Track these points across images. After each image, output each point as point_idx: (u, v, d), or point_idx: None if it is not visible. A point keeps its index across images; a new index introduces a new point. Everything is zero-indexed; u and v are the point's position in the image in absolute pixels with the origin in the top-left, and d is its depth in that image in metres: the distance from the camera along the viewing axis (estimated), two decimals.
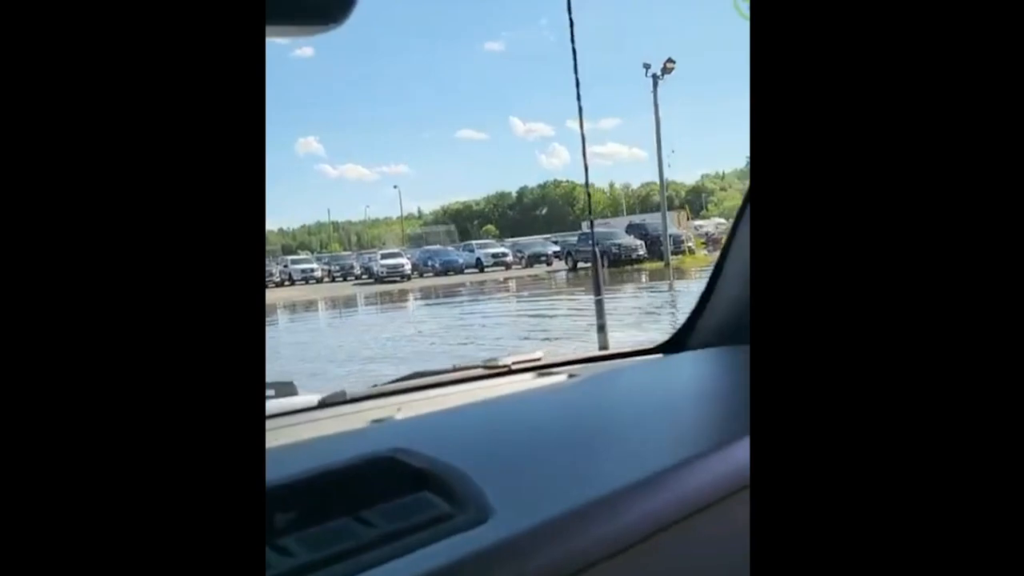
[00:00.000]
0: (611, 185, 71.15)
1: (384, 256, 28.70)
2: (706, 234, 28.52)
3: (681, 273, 21.45)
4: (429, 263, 28.49)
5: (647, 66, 21.52)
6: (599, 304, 6.85)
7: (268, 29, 0.43)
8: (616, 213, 53.53)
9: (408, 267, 27.41)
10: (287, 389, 1.10)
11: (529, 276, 24.13)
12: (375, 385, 1.17)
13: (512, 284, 21.71)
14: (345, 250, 52.03)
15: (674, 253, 22.29)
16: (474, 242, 33.37)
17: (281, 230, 76.82)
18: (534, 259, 27.94)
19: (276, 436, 0.81)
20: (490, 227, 63.38)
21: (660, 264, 21.28)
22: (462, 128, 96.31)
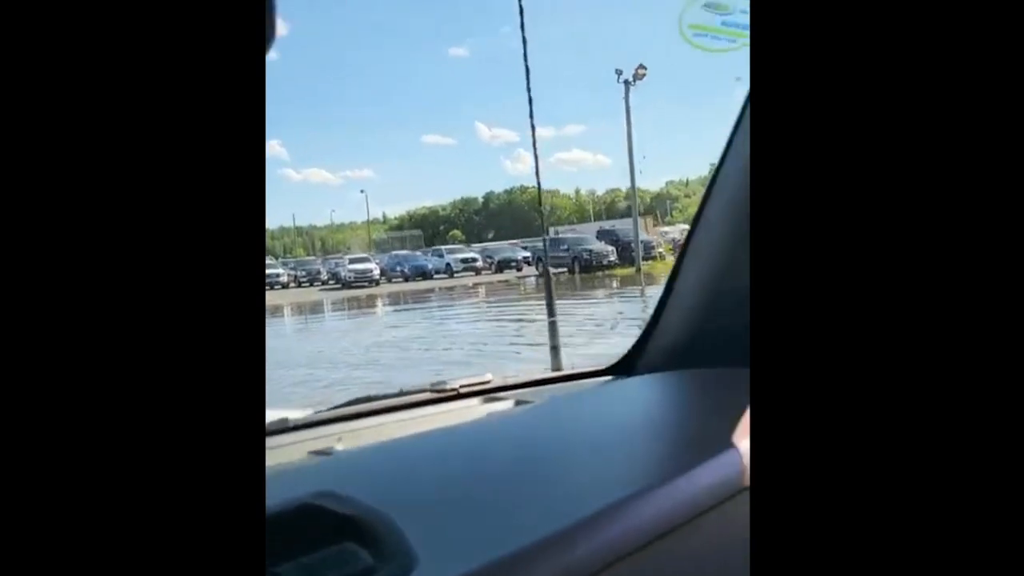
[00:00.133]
0: (577, 191, 71.53)
1: (352, 261, 28.37)
2: (673, 240, 28.60)
3: (652, 279, 21.54)
4: (398, 268, 28.23)
5: (619, 72, 21.67)
6: (552, 326, 6.76)
7: None
8: (582, 219, 53.76)
9: (377, 272, 27.14)
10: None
11: (499, 282, 24.04)
12: (318, 411, 1.13)
13: (482, 290, 21.61)
14: (310, 255, 51.58)
15: (644, 259, 22.40)
16: (444, 247, 33.21)
17: None
18: (504, 264, 27.85)
19: None
20: (456, 232, 63.19)
21: (631, 270, 21.37)
22: (428, 133, 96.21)
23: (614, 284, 19.42)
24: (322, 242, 68.82)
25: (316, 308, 20.27)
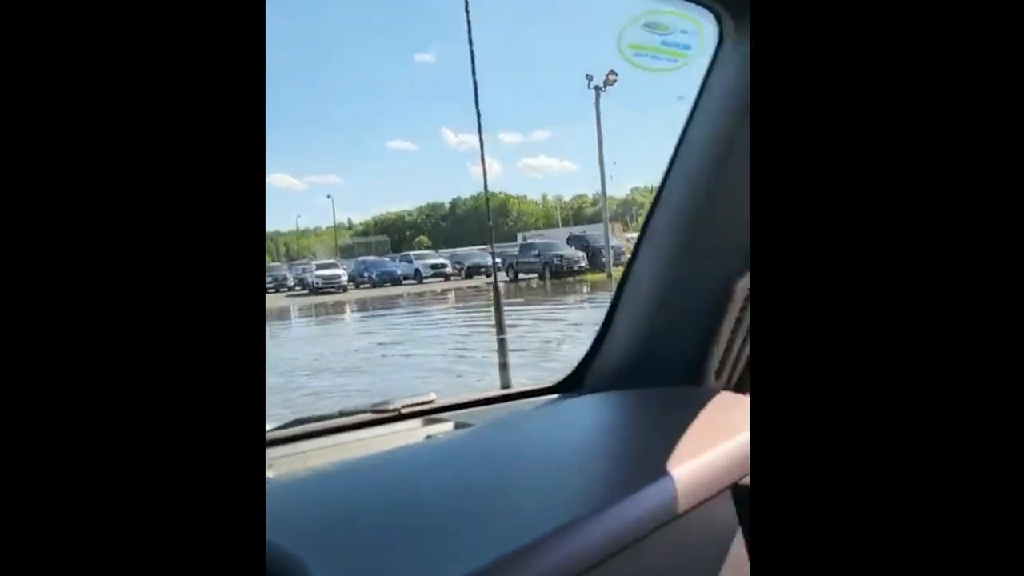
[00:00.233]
0: (544, 197, 71.66)
1: (319, 267, 27.94)
2: None
3: None
4: (366, 274, 27.91)
5: (589, 78, 21.70)
6: (502, 343, 6.65)
7: None
8: (549, 224, 53.87)
9: (345, 278, 26.79)
10: None
11: (470, 287, 23.89)
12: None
13: (452, 296, 21.44)
14: (274, 261, 50.89)
15: (615, 264, 22.43)
16: (412, 253, 32.93)
17: None
18: (473, 270, 27.69)
19: None
20: (423, 238, 62.89)
21: (602, 275, 21.36)
22: (393, 139, 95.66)
23: (585, 290, 19.42)
24: (287, 248, 68.02)
25: (283, 314, 19.92)
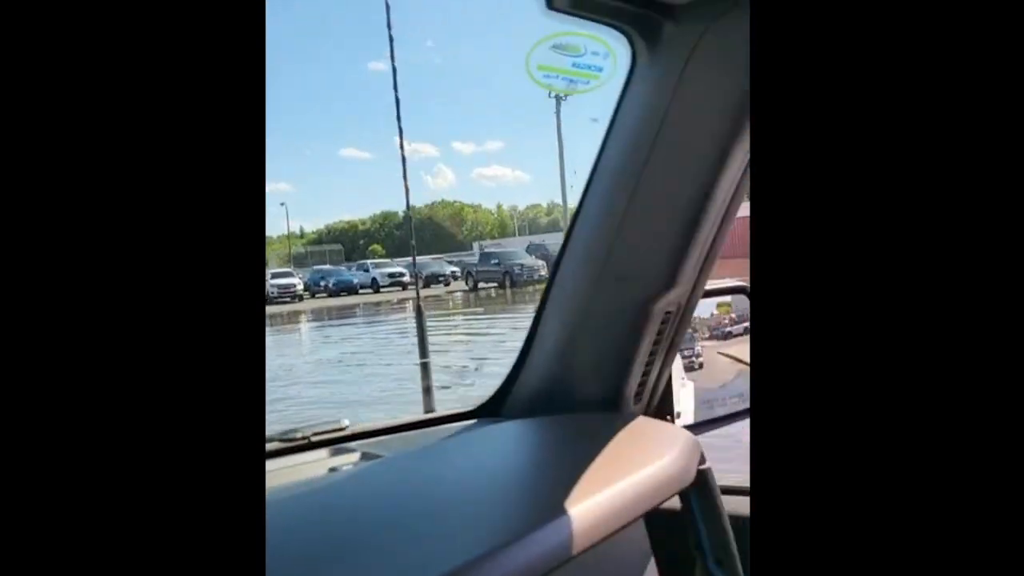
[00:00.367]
0: (499, 207, 71.78)
1: (274, 276, 27.37)
2: None
3: None
4: (322, 283, 27.45)
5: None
6: (424, 368, 6.53)
7: None
8: (504, 234, 54.02)
9: (300, 287, 26.32)
10: None
11: (428, 297, 23.63)
12: None
13: (410, 305, 21.17)
14: None
15: None
16: (369, 261, 32.51)
17: None
18: (432, 279, 27.45)
19: None
20: (377, 247, 62.37)
21: None
22: (346, 147, 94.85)
23: None
24: None
25: None
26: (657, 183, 0.96)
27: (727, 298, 1.27)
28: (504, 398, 1.17)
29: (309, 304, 24.42)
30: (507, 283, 22.65)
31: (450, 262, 30.07)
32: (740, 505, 1.22)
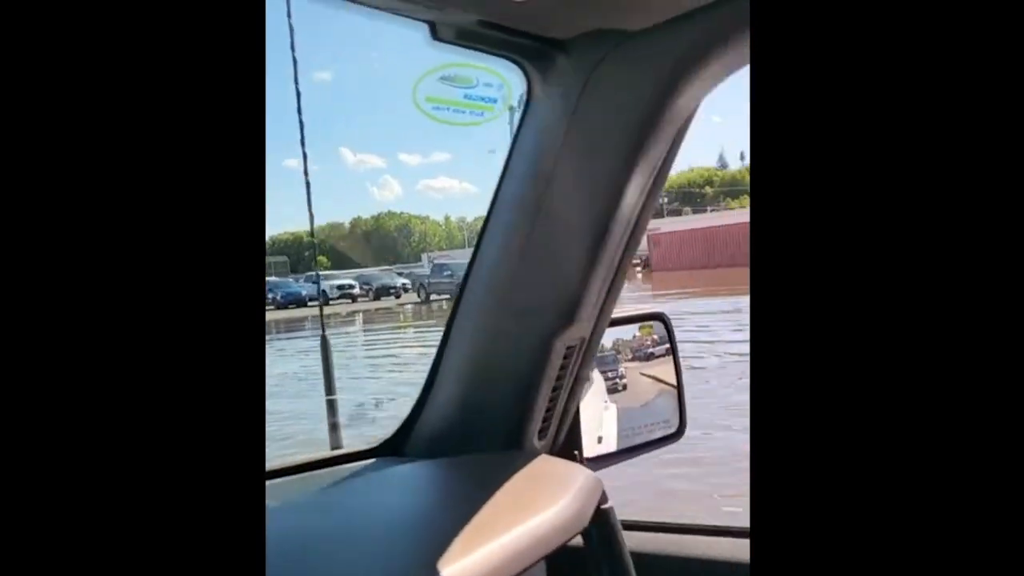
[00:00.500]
0: (447, 218, 71.64)
1: None
2: None
3: None
4: (270, 295, 26.83)
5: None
6: (331, 404, 6.42)
7: None
8: (452, 246, 53.87)
9: None
10: None
11: (379, 310, 23.35)
12: None
13: (360, 318, 20.88)
14: None
15: None
16: (319, 273, 31.93)
17: None
18: (382, 292, 27.14)
19: None
20: (322, 258, 61.55)
21: None
22: (289, 158, 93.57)
23: None
24: None
25: None
26: (555, 216, 0.95)
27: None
28: (407, 435, 1.14)
29: None
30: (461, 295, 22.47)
31: (400, 274, 29.79)
32: (643, 541, 1.22)
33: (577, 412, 1.15)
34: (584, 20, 0.83)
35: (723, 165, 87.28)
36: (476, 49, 0.87)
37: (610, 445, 1.20)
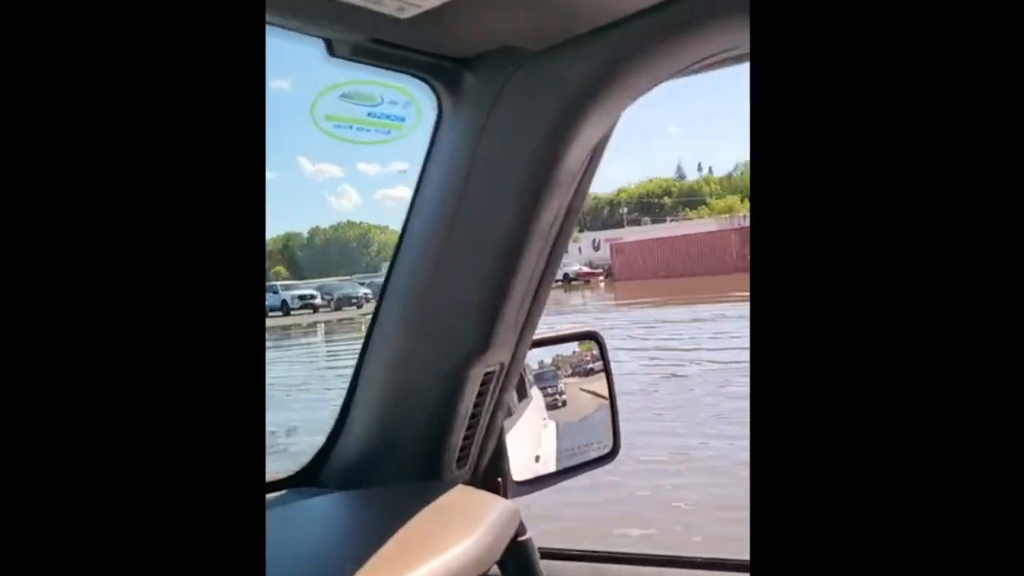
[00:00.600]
0: None
1: None
2: None
3: None
4: None
5: None
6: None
7: None
8: None
9: None
10: None
11: (341, 320, 23.06)
12: None
13: (322, 328, 20.57)
14: None
15: None
16: (279, 283, 31.40)
17: None
18: (344, 301, 26.81)
19: None
20: (280, 268, 60.78)
21: None
22: None
23: None
24: None
25: None
26: (467, 237, 0.92)
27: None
28: (322, 464, 1.10)
29: None
30: None
31: (362, 283, 29.47)
32: (558, 570, 1.21)
33: (501, 436, 1.11)
34: (483, 39, 0.82)
35: (681, 176, 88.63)
36: (377, 66, 0.84)
37: (548, 464, 1.17)
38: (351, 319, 22.92)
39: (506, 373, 1.05)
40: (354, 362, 1.05)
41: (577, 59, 0.80)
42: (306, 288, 28.69)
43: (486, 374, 1.01)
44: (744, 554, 0.99)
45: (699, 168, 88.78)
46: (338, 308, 26.48)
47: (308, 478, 1.11)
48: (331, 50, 0.81)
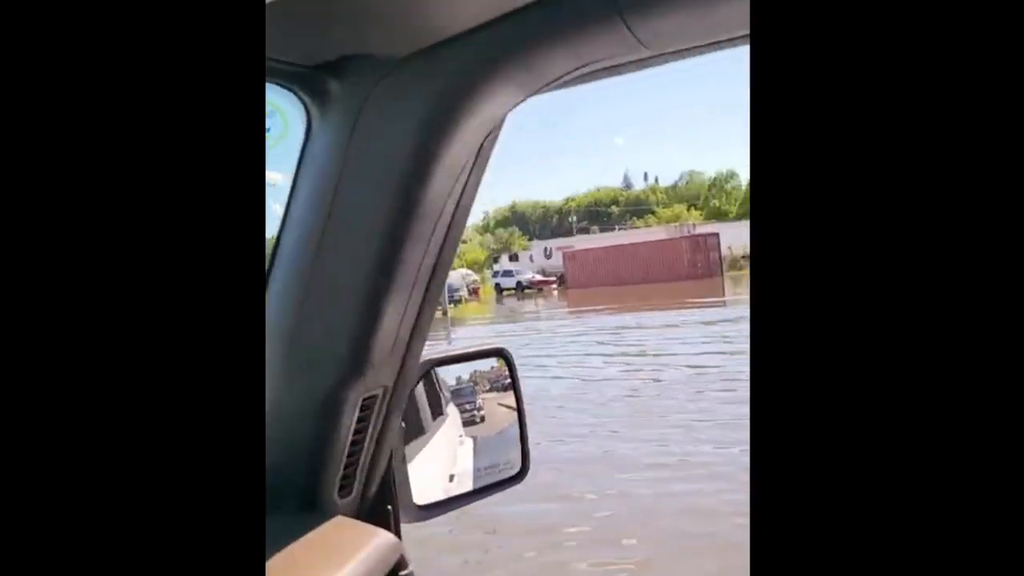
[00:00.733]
0: None
1: None
2: (474, 282, 29.28)
3: (458, 322, 21.51)
4: None
5: None
6: None
7: None
8: None
9: None
10: None
11: None
12: None
13: None
14: None
15: (449, 303, 22.40)
16: None
17: None
18: None
19: None
20: None
21: (438, 314, 21.18)
22: None
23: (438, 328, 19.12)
24: None
25: None
26: (338, 254, 0.86)
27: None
28: None
29: None
30: None
31: None
32: None
33: (391, 463, 1.05)
34: (344, 46, 0.78)
35: (628, 185, 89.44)
36: None
37: (465, 483, 1.14)
38: None
39: (392, 396, 0.98)
40: None
41: (445, 63, 0.76)
42: None
43: (367, 398, 0.94)
44: None
45: (645, 178, 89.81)
46: None
47: None
48: None
